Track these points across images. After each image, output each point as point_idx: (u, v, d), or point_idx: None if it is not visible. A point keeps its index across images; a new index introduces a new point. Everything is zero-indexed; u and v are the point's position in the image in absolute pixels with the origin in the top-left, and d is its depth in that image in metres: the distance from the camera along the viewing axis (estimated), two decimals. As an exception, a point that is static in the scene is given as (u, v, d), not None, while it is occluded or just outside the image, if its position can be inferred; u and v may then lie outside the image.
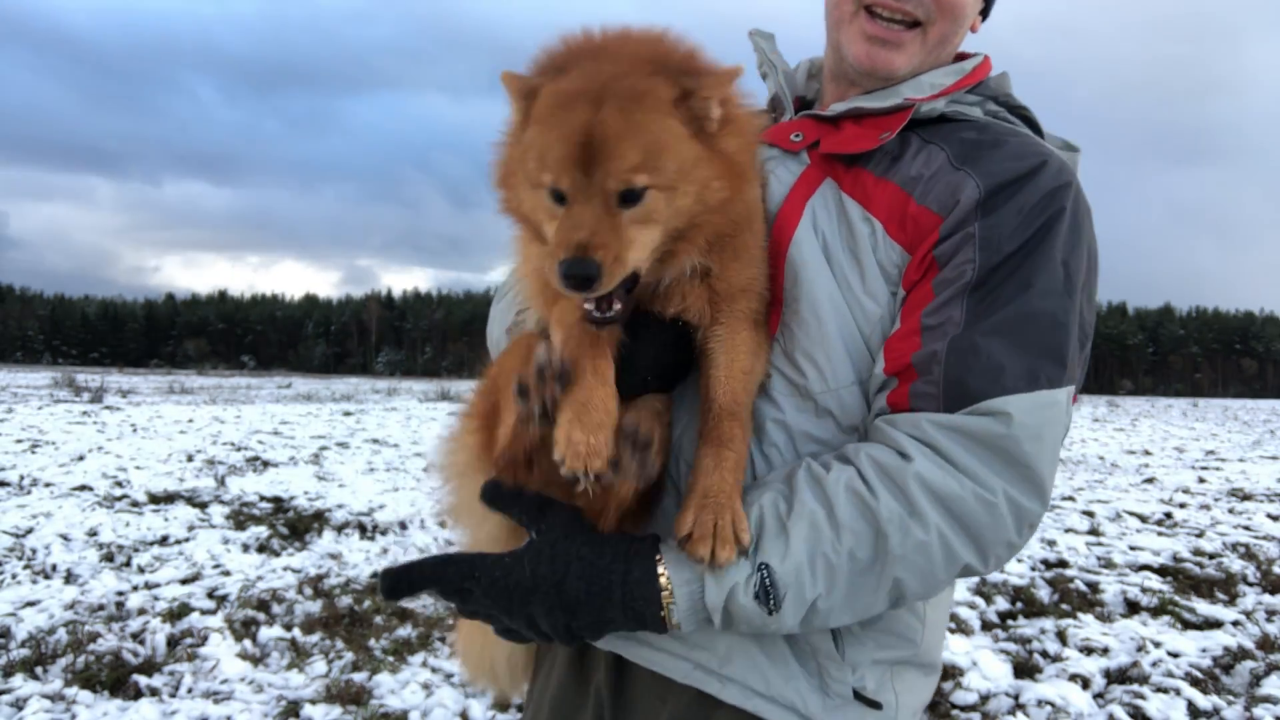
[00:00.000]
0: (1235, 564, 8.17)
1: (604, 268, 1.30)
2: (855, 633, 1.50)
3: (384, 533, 8.95)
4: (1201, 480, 14.47)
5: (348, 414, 25.08)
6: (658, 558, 1.38)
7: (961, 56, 1.83)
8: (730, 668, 1.48)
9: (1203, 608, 6.77)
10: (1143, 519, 10.67)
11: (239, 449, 15.40)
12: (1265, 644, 6.00)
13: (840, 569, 1.34)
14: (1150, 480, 14.41)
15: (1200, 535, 9.61)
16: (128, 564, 7.47)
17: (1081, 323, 1.49)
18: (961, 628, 6.16)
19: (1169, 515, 10.88)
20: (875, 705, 1.49)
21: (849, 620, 1.40)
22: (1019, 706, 4.97)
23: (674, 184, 1.38)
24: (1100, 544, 8.99)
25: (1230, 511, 11.30)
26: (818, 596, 1.35)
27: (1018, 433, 1.35)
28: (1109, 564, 8.14)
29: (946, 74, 1.75)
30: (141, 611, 6.17)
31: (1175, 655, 5.75)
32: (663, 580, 1.37)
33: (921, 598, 1.43)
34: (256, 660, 5.41)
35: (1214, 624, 6.46)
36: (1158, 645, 5.90)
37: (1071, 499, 12.02)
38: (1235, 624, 6.44)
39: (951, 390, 1.38)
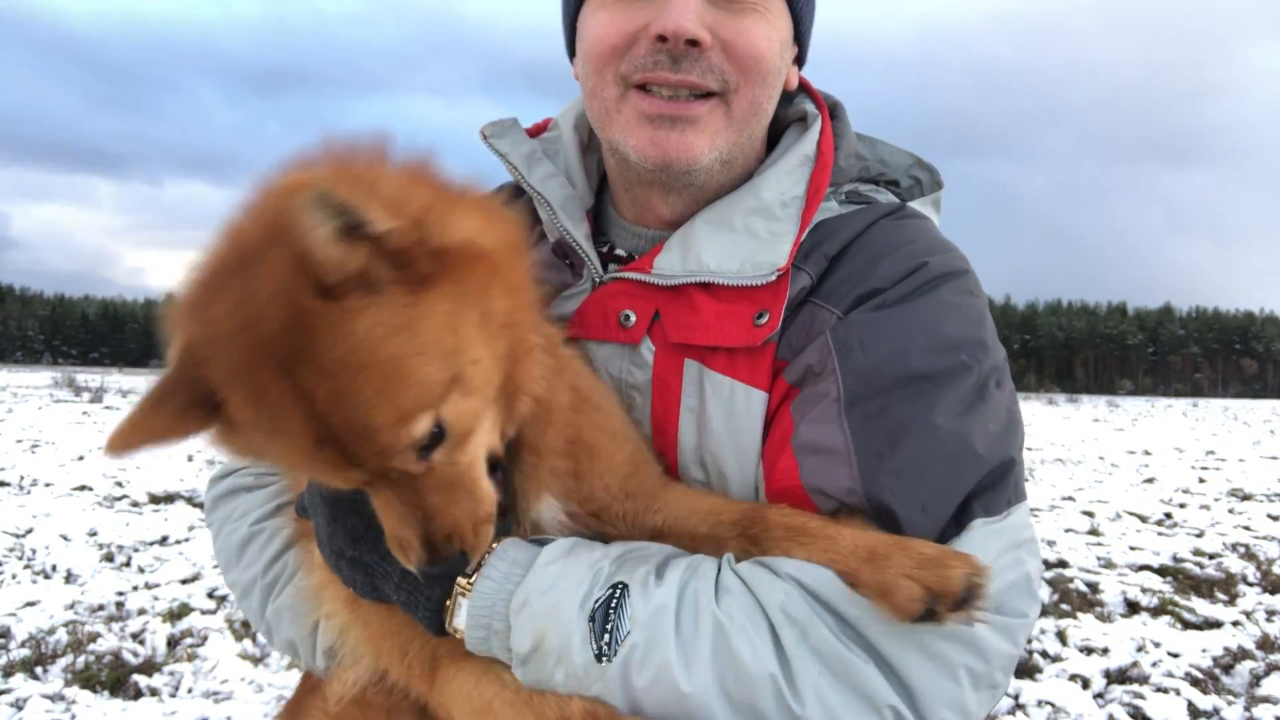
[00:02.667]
0: (1235, 564, 8.16)
1: (474, 546, 1.07)
2: None
3: (384, 533, 8.93)
4: (1201, 480, 14.45)
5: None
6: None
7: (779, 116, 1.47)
8: None
9: (1203, 608, 6.76)
10: (1143, 519, 10.65)
11: (239, 449, 15.34)
12: (1265, 644, 5.99)
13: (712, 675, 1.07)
14: (1150, 480, 14.39)
15: (1200, 535, 9.59)
16: (128, 564, 7.46)
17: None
18: (961, 628, 6.15)
19: (1169, 515, 10.87)
20: None
21: None
22: (1019, 706, 4.97)
23: (460, 373, 1.00)
24: (1100, 544, 8.97)
25: (1230, 511, 11.28)
26: (676, 674, 1.06)
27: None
28: (1109, 564, 8.13)
29: (791, 171, 1.37)
30: (141, 611, 6.17)
31: (1175, 655, 5.74)
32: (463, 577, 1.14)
33: None
34: (256, 660, 5.41)
35: (1214, 624, 6.45)
36: (1158, 645, 5.89)
37: (1071, 499, 12.00)
38: (1235, 624, 6.43)
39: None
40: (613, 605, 1.09)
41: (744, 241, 1.31)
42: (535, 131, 1.58)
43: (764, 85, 1.34)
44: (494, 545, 1.15)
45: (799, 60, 1.48)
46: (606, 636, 1.08)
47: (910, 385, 1.18)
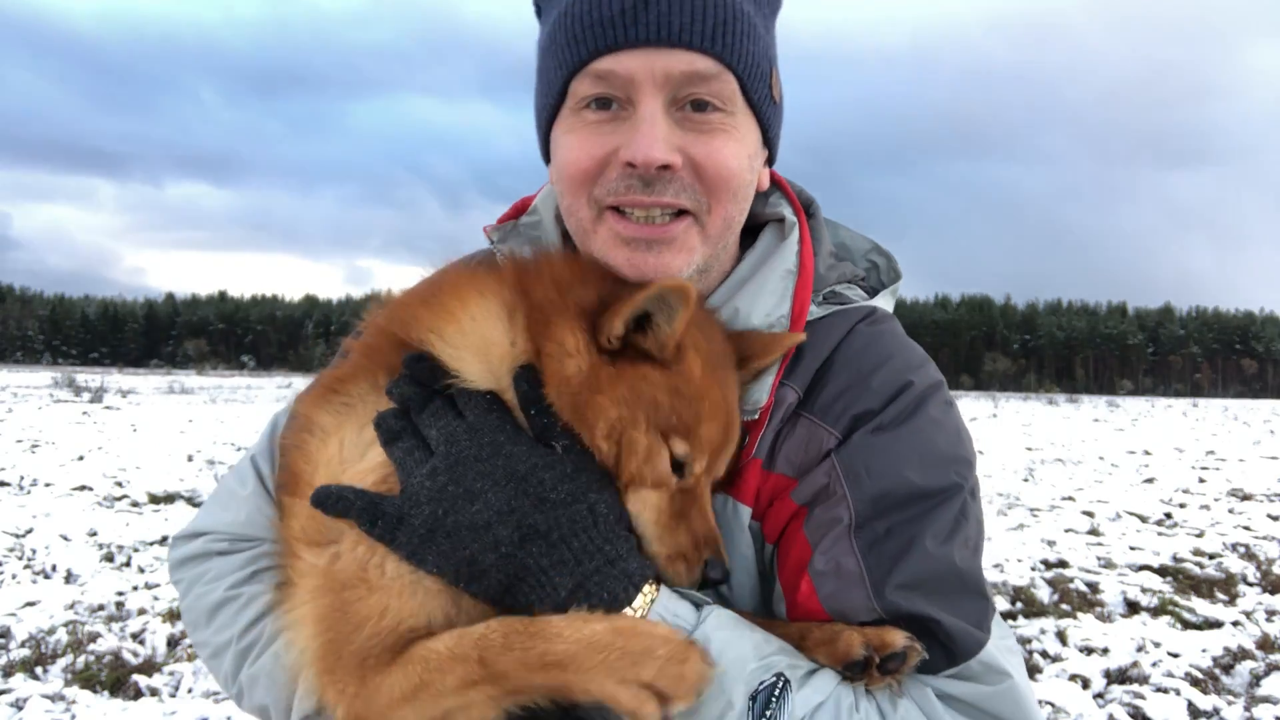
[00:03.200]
0: (1235, 564, 8.17)
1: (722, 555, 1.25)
2: None
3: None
4: (1201, 480, 14.47)
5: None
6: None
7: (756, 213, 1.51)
8: None
9: (1203, 608, 6.77)
10: (1143, 519, 10.67)
11: (239, 449, 15.39)
12: (1265, 644, 6.00)
13: None
14: (1150, 480, 14.41)
15: (1200, 535, 9.61)
16: (128, 564, 7.47)
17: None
18: (961, 628, 6.16)
19: (1169, 515, 10.88)
20: None
21: None
22: (1019, 706, 4.98)
23: None
24: (1100, 544, 8.99)
25: (1230, 511, 11.30)
26: None
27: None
28: (1109, 564, 8.14)
29: (775, 290, 1.44)
30: (141, 611, 6.17)
31: (1175, 655, 5.75)
32: (646, 589, 1.18)
33: None
34: (256, 660, 5.42)
35: (1214, 624, 6.46)
36: (1158, 645, 5.90)
37: (1071, 499, 12.01)
38: (1235, 624, 6.44)
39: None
40: (775, 693, 1.15)
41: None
42: (515, 212, 1.60)
43: (735, 202, 1.39)
44: (652, 590, 1.21)
45: (770, 159, 1.51)
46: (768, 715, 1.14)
47: (910, 505, 1.31)
